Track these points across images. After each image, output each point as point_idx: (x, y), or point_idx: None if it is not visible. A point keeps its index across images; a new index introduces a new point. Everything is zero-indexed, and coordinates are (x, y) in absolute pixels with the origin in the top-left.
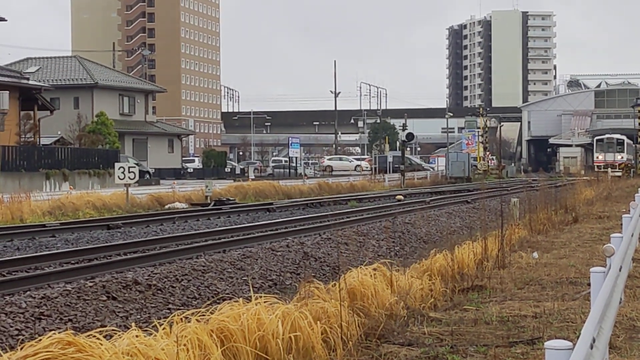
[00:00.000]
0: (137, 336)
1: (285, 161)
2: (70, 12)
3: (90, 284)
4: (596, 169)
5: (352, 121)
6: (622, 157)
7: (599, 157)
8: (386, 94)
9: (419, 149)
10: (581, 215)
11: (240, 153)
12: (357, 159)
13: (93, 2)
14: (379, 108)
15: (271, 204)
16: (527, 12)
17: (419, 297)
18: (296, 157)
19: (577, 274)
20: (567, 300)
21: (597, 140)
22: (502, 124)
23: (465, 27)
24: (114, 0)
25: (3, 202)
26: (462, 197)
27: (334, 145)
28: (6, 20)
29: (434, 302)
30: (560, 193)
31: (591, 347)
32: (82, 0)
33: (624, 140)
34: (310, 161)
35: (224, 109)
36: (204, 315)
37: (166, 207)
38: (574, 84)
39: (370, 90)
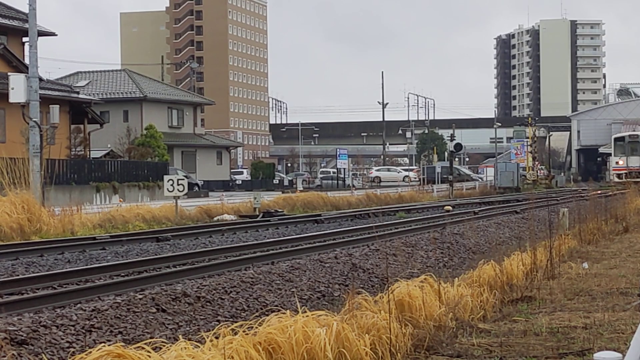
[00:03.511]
0: (185, 348)
1: (333, 172)
2: (120, 26)
3: (140, 296)
4: (616, 179)
5: (400, 132)
6: None
7: (620, 162)
8: (434, 105)
9: (467, 159)
10: (632, 224)
11: (289, 164)
12: (405, 170)
13: (142, 16)
14: (426, 118)
15: (319, 215)
16: (576, 21)
17: (467, 309)
18: (344, 168)
19: (628, 284)
20: (617, 311)
21: (617, 140)
22: (551, 133)
23: (513, 36)
24: (162, 13)
25: (54, 215)
26: (511, 207)
27: (382, 156)
28: (56, 35)
29: (483, 313)
30: (610, 202)
31: None
32: (131, 14)
33: None
34: (358, 172)
35: (272, 121)
36: (251, 327)
37: (215, 219)
38: (623, 92)
39: (417, 100)
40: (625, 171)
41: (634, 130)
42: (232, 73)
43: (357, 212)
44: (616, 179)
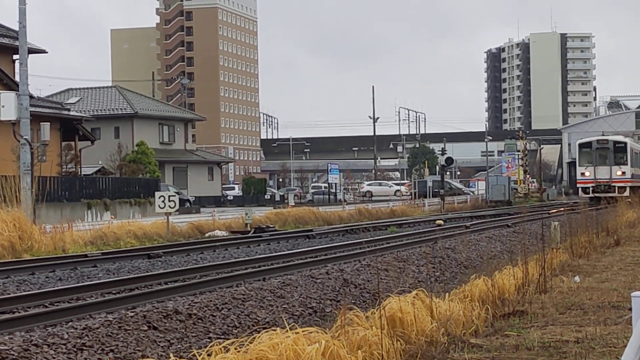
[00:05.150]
0: None
1: (325, 187)
2: (110, 42)
3: (132, 314)
4: (582, 194)
5: (391, 146)
6: (623, 173)
7: (586, 173)
8: (425, 119)
9: (458, 173)
10: (623, 238)
11: (280, 180)
12: (397, 184)
13: (132, 32)
14: (417, 133)
15: (311, 230)
16: (566, 34)
17: (459, 323)
18: (335, 183)
19: (620, 297)
20: (609, 324)
21: (582, 147)
22: (542, 146)
23: (503, 50)
24: (152, 30)
25: (46, 232)
26: (503, 221)
27: (373, 171)
28: (47, 52)
29: (475, 328)
30: (602, 215)
31: None
32: (121, 30)
33: (626, 144)
34: (349, 187)
35: (263, 136)
36: (243, 344)
37: (206, 235)
38: (614, 105)
39: (408, 114)
40: (593, 184)
41: (602, 135)
42: (223, 89)
43: (349, 227)
44: (582, 195)
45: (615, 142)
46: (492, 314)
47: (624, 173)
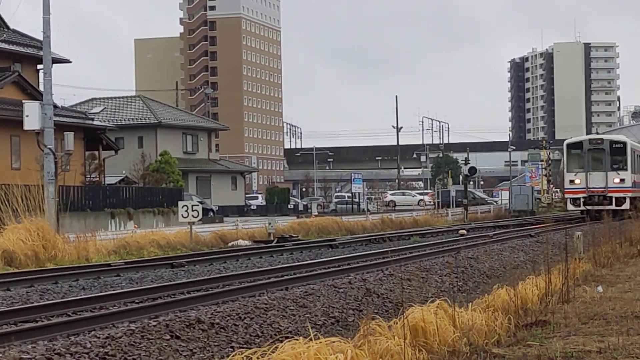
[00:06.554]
0: None
1: (348, 197)
2: (134, 52)
3: (154, 323)
4: (570, 206)
5: (414, 156)
6: (622, 180)
7: (576, 180)
8: (448, 128)
9: (482, 182)
10: None
11: (303, 189)
12: (420, 194)
13: (156, 42)
14: (441, 142)
15: (334, 240)
16: (590, 43)
17: (481, 333)
18: (359, 193)
19: None
20: (632, 334)
21: (570, 147)
22: None
23: (527, 59)
24: (176, 39)
25: (69, 241)
26: (526, 230)
27: (396, 180)
28: (71, 62)
29: (497, 337)
30: (625, 225)
31: None
32: (145, 40)
33: (625, 145)
34: (373, 196)
35: (287, 146)
36: (265, 354)
37: (230, 244)
38: (638, 114)
39: (432, 124)
40: (584, 194)
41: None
42: (247, 98)
43: (372, 237)
44: (571, 207)
45: (612, 142)
46: (514, 323)
47: (622, 180)
